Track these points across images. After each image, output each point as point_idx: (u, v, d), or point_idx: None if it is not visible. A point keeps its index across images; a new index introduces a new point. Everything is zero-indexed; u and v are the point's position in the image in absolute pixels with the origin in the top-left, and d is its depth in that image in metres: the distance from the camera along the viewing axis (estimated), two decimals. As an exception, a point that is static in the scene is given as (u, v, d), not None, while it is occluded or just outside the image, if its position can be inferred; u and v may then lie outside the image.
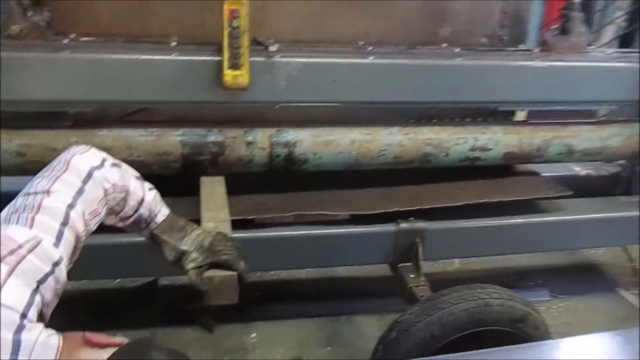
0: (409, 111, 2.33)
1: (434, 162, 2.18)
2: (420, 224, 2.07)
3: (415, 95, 2.05)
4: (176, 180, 2.01)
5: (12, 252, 0.86)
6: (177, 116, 2.11)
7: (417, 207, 2.06)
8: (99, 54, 1.78)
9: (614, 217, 2.32)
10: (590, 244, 2.60)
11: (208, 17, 2.01)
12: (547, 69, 2.09)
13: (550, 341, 1.54)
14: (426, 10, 2.24)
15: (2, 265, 0.83)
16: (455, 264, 2.86)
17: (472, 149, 2.17)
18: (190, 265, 1.29)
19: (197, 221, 1.63)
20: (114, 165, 1.19)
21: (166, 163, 1.96)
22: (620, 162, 2.72)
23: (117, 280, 2.54)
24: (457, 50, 2.10)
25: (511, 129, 2.23)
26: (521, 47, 2.25)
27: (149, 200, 1.26)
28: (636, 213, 2.34)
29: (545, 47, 2.16)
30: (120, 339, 0.90)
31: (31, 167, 1.84)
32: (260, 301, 2.49)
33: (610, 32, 5.09)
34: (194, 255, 1.30)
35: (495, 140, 2.18)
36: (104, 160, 1.16)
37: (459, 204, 2.09)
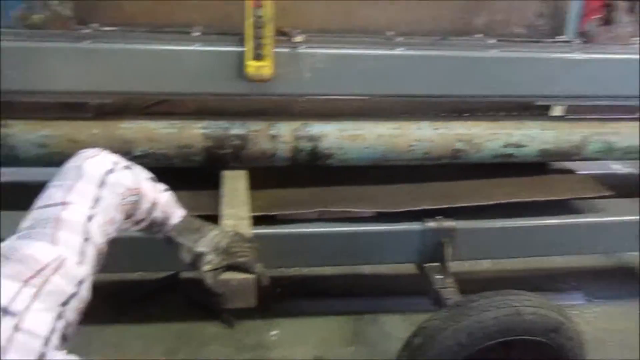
0: (440, 104, 2.23)
1: (465, 159, 2.09)
2: (449, 223, 1.98)
3: (447, 89, 1.96)
4: (198, 173, 1.99)
5: (37, 274, 0.82)
6: (200, 107, 2.06)
7: (446, 206, 1.98)
8: (121, 44, 1.75)
9: (657, 219, 2.19)
10: (631, 248, 2.47)
11: (234, 5, 1.95)
12: (587, 62, 1.97)
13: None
14: (461, -3, 2.13)
15: (27, 288, 0.79)
16: (485, 264, 2.76)
17: (506, 146, 2.07)
18: (205, 268, 1.25)
19: (216, 218, 1.60)
20: (126, 167, 1.15)
21: (188, 156, 1.92)
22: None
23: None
24: (492, 41, 1.99)
25: (548, 125, 2.12)
26: (560, 38, 2.13)
27: (162, 202, 1.22)
28: (680, 216, 2.21)
29: (586, 38, 2.03)
30: None
31: (53, 158, 1.82)
32: (282, 297, 2.44)
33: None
34: (210, 257, 1.26)
35: (531, 137, 2.08)
36: (116, 163, 1.12)
37: (491, 202, 1.99)
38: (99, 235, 0.99)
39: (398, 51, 1.86)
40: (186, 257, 1.26)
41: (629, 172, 2.64)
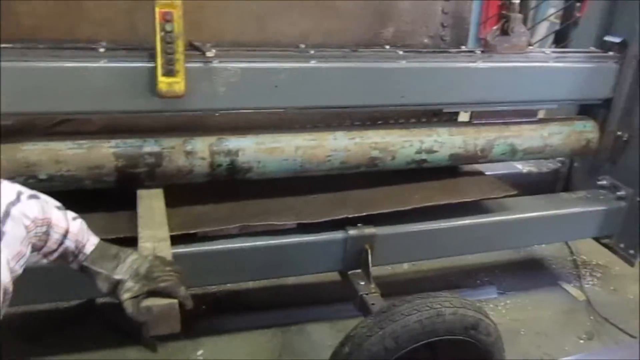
0: (354, 113, 2.28)
1: (381, 166, 2.14)
2: (369, 230, 2.03)
3: (359, 99, 2.01)
4: (112, 193, 1.91)
5: None
6: (110, 125, 1.97)
7: (367, 213, 2.02)
8: (20, 62, 1.63)
9: (558, 214, 2.37)
10: (536, 241, 2.65)
11: (140, 18, 1.89)
12: (489, 70, 2.10)
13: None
14: (368, 10, 2.19)
15: None
16: (404, 266, 2.85)
17: (419, 152, 2.15)
18: (125, 296, 1.19)
19: (135, 240, 1.54)
20: (31, 197, 1.07)
21: (99, 177, 1.83)
22: (560, 158, 2.78)
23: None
24: (400, 52, 2.06)
25: (456, 131, 2.22)
26: (463, 48, 2.24)
27: (74, 230, 1.15)
28: (578, 209, 2.40)
29: (487, 47, 2.15)
30: None
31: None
32: (206, 315, 2.39)
33: (544, 28, 5.26)
34: (130, 284, 1.20)
35: (441, 142, 2.17)
36: (19, 194, 1.04)
37: (409, 207, 2.06)
38: (5, 274, 0.91)
39: (311, 64, 1.88)
40: (104, 286, 1.20)
41: (529, 170, 2.83)
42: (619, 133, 2.40)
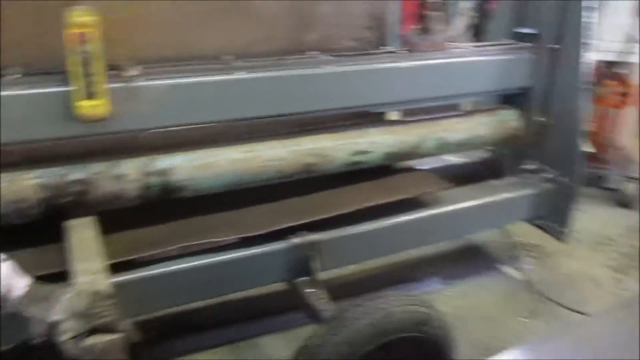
0: (285, 121, 2.26)
1: (318, 171, 2.14)
2: (313, 237, 2.02)
3: (288, 107, 2.01)
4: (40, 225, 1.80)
5: None
6: (32, 154, 1.86)
7: (308, 220, 2.01)
8: None
9: (491, 201, 2.46)
10: (474, 230, 2.73)
11: (54, 40, 1.78)
12: (413, 69, 2.15)
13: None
14: (291, 16, 2.18)
15: None
16: (350, 267, 2.85)
17: (354, 154, 2.17)
18: (64, 337, 1.12)
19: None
20: None
21: (22, 211, 1.72)
22: (490, 147, 2.88)
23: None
24: (325, 57, 2.07)
25: (387, 130, 2.26)
26: (387, 48, 2.28)
27: (2, 275, 1.07)
28: (510, 195, 2.49)
29: (408, 47, 2.20)
30: None
31: None
32: (154, 341, 2.30)
33: (460, 22, 5.43)
34: (68, 324, 1.13)
35: (374, 143, 2.20)
36: None
37: (349, 210, 2.07)
38: None
39: (238, 75, 1.86)
40: (40, 330, 1.13)
41: (462, 161, 2.92)
42: (540, 119, 2.52)
